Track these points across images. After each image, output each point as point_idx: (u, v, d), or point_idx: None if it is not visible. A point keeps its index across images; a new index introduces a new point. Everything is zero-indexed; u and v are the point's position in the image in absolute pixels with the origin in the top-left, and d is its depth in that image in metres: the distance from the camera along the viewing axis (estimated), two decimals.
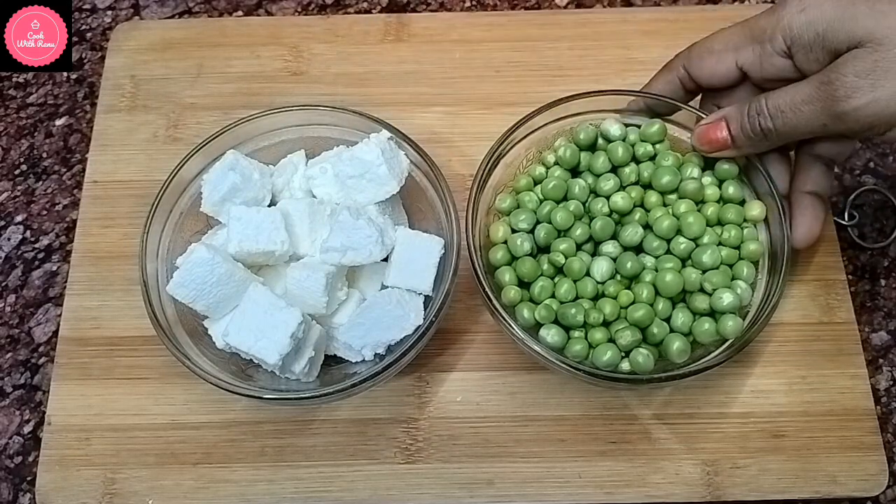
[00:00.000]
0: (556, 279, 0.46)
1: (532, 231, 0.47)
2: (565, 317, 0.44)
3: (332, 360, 0.49)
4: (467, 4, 0.64)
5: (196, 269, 0.45)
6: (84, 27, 0.64)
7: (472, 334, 0.52)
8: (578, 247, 0.46)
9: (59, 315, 0.53)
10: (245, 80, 0.59)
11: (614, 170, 0.48)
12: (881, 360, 0.52)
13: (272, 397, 0.45)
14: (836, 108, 0.39)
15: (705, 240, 0.46)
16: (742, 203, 0.48)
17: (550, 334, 0.44)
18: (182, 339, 0.46)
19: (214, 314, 0.47)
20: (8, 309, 0.55)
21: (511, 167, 0.50)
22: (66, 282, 0.54)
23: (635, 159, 0.48)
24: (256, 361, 0.46)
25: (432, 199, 0.50)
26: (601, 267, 0.45)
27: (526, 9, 0.64)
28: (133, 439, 0.49)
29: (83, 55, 0.63)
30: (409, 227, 0.51)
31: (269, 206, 0.50)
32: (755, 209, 0.47)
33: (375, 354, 0.47)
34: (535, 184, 0.49)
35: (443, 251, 0.47)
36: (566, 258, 0.46)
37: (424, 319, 0.46)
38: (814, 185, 0.46)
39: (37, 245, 0.57)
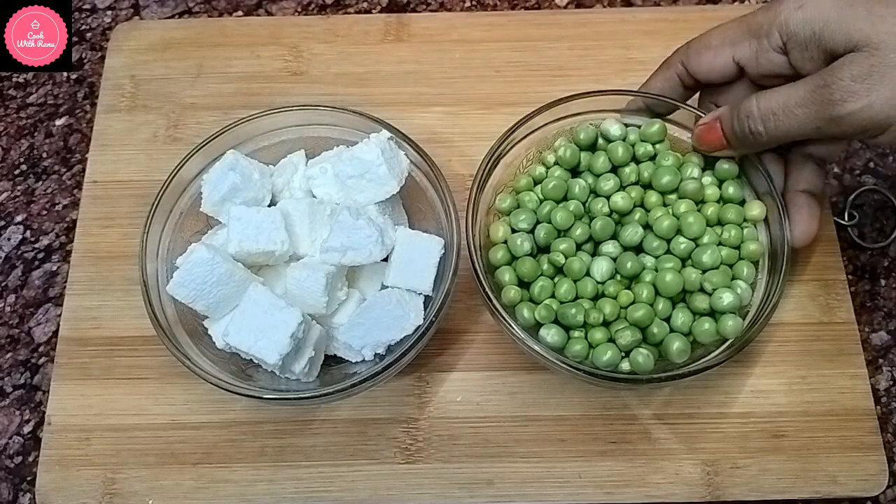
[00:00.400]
0: (556, 279, 0.46)
1: (532, 231, 0.47)
2: (565, 317, 0.44)
3: (332, 360, 0.49)
4: (467, 4, 0.64)
5: (196, 269, 0.45)
6: (84, 27, 0.64)
7: (472, 334, 0.52)
8: (578, 247, 0.46)
9: (59, 315, 0.53)
10: (245, 80, 0.59)
11: (614, 170, 0.48)
12: (881, 360, 0.52)
13: (272, 397, 0.45)
14: (832, 112, 0.39)
15: (705, 240, 0.46)
16: (742, 203, 0.48)
17: (550, 334, 0.44)
18: (182, 339, 0.46)
19: (214, 314, 0.47)
20: (8, 309, 0.55)
21: (511, 167, 0.50)
22: (66, 282, 0.54)
23: (635, 159, 0.48)
24: (256, 361, 0.46)
25: (432, 199, 0.50)
26: (601, 267, 0.45)
27: (526, 9, 0.64)
28: (133, 439, 0.49)
29: (83, 55, 0.63)
30: (409, 227, 0.51)
31: (269, 206, 0.50)
32: (755, 209, 0.47)
33: (375, 354, 0.47)
34: (536, 184, 0.49)
35: (443, 251, 0.47)
36: (566, 258, 0.46)
37: (424, 319, 0.46)
38: (806, 183, 0.46)
39: (37, 245, 0.57)
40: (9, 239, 0.57)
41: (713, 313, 0.45)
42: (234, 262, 0.46)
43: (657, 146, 0.48)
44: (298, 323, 0.44)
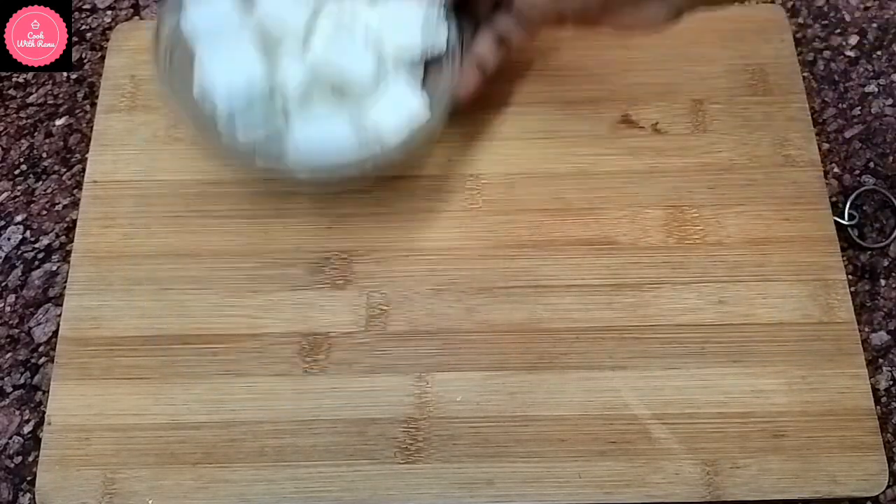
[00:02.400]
0: None
1: None
2: None
3: None
4: None
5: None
6: (84, 27, 0.64)
7: (473, 334, 0.52)
8: None
9: (59, 315, 0.53)
10: None
11: None
12: (881, 360, 0.52)
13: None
14: None
15: None
16: None
17: None
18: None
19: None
20: (8, 309, 0.55)
21: None
22: (66, 282, 0.54)
23: None
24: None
25: None
26: None
27: None
28: (133, 439, 0.49)
29: (83, 55, 0.63)
30: None
31: None
32: None
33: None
34: None
35: None
36: None
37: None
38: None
39: (37, 245, 0.57)
40: (9, 239, 0.57)
41: None
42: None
43: None
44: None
